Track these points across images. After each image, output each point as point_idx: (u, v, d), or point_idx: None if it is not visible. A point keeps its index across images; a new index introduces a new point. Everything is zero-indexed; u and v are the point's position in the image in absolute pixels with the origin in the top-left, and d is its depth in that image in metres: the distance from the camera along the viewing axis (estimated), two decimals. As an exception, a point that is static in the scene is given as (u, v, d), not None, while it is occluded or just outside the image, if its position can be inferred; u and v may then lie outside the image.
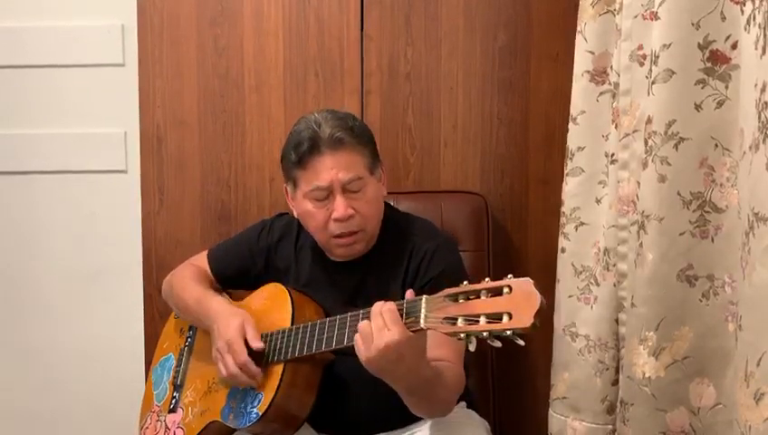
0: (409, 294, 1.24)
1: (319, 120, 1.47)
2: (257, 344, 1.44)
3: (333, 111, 1.52)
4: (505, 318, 1.08)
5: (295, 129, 1.51)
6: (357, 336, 1.24)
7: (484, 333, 1.09)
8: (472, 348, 1.13)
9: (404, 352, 1.21)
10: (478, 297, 1.13)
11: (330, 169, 1.45)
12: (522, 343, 1.09)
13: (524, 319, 1.06)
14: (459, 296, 1.15)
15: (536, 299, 1.07)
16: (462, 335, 1.12)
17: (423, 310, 1.19)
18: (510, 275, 1.13)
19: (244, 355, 1.42)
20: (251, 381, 1.43)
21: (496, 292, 1.12)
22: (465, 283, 1.17)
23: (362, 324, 1.23)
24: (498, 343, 1.11)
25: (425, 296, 1.20)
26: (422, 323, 1.18)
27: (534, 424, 1.97)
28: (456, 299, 1.16)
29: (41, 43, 2.14)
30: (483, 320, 1.10)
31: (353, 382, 1.48)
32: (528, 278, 1.10)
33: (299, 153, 1.47)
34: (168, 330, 1.79)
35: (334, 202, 1.46)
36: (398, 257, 1.53)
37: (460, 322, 1.12)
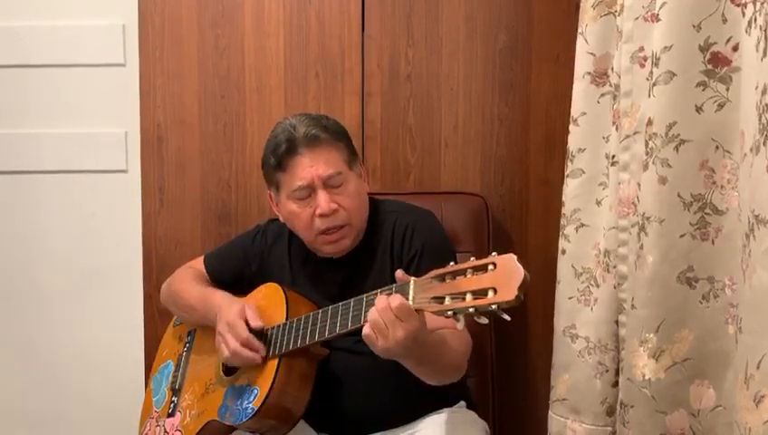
0: (399, 273, 1.27)
1: (293, 123, 1.52)
2: (257, 323, 1.46)
3: (307, 114, 1.57)
4: (490, 293, 1.11)
5: (272, 134, 1.55)
6: (368, 330, 1.25)
7: (471, 309, 1.13)
8: (460, 326, 1.18)
9: (418, 335, 1.24)
10: (464, 276, 1.16)
11: (309, 166, 1.48)
12: (507, 318, 1.12)
13: (509, 293, 1.09)
14: (446, 276, 1.19)
15: (520, 273, 1.10)
16: (449, 313, 1.16)
17: (411, 292, 1.22)
18: (494, 253, 1.15)
19: (245, 332, 1.45)
20: (254, 356, 1.44)
21: (481, 269, 1.15)
22: (451, 263, 1.20)
23: (373, 318, 1.24)
24: (485, 320, 1.14)
25: (413, 279, 1.24)
26: (411, 305, 1.22)
27: (534, 426, 1.97)
28: (443, 279, 1.20)
29: (42, 43, 2.14)
30: (469, 297, 1.14)
31: (348, 379, 1.50)
32: (512, 254, 1.13)
33: (277, 156, 1.51)
34: (167, 338, 1.80)
35: (317, 199, 1.48)
36: (382, 240, 1.56)
37: (447, 300, 1.16)
